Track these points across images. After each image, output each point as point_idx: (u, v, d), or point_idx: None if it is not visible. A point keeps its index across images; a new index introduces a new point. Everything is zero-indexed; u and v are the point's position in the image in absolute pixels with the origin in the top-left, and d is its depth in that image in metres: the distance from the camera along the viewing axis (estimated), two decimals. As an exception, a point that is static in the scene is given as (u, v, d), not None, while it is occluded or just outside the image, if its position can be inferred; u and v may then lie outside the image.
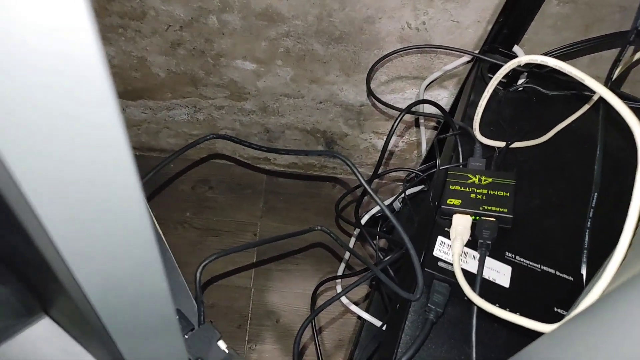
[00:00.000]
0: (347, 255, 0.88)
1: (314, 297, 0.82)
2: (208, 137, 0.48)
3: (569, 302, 0.45)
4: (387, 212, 0.44)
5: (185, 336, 0.38)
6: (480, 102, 0.55)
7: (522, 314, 0.43)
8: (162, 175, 1.07)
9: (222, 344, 0.38)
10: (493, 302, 0.45)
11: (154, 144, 1.08)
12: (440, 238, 0.51)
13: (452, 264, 0.48)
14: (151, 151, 1.10)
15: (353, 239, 0.88)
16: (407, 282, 0.49)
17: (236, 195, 1.09)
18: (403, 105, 0.64)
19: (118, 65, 0.89)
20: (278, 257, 1.03)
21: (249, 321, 0.95)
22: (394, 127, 0.57)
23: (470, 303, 0.46)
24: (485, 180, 0.52)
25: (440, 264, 0.49)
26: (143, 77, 0.91)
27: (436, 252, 0.50)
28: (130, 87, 0.94)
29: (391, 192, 0.93)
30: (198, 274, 0.41)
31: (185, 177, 1.09)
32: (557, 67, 0.43)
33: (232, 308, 0.96)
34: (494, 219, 0.49)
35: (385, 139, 0.61)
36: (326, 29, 0.80)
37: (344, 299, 0.71)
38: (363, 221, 0.81)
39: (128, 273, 0.21)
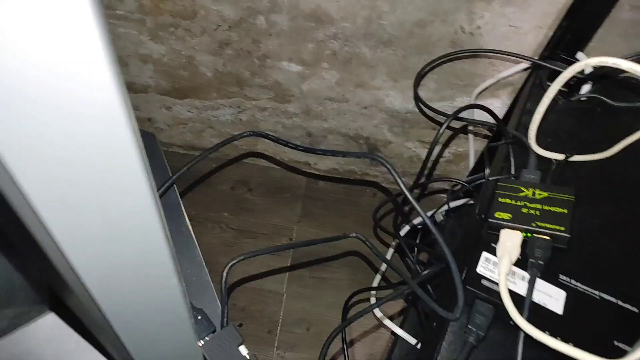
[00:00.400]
0: (383, 266, 0.84)
1: (346, 307, 0.79)
2: (244, 134, 0.47)
3: (633, 336, 0.40)
4: (427, 220, 0.41)
5: (206, 338, 0.36)
6: (538, 109, 0.51)
7: (575, 345, 0.39)
8: (203, 174, 1.08)
9: (243, 350, 0.36)
10: (542, 329, 0.40)
11: (197, 143, 1.09)
12: (485, 254, 0.47)
13: (497, 284, 0.44)
14: (194, 150, 1.11)
15: (391, 250, 0.84)
16: (446, 299, 0.45)
17: (274, 199, 1.08)
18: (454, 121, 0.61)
19: (167, 64, 0.90)
20: (313, 264, 1.00)
21: (279, 327, 0.93)
22: (440, 132, 0.54)
23: (517, 328, 0.42)
24: (540, 195, 0.47)
25: (484, 282, 0.45)
26: (190, 76, 0.92)
27: (480, 269, 0.46)
28: (178, 85, 0.95)
29: (433, 205, 0.89)
30: (224, 274, 0.39)
31: (225, 178, 1.09)
32: (632, 72, 0.39)
33: (263, 312, 0.94)
34: (548, 237, 0.45)
35: (429, 146, 0.57)
36: (375, 32, 0.77)
37: (377, 313, 0.67)
38: (402, 232, 0.78)
39: (135, 269, 0.19)
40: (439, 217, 0.87)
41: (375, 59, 0.82)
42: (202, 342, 0.37)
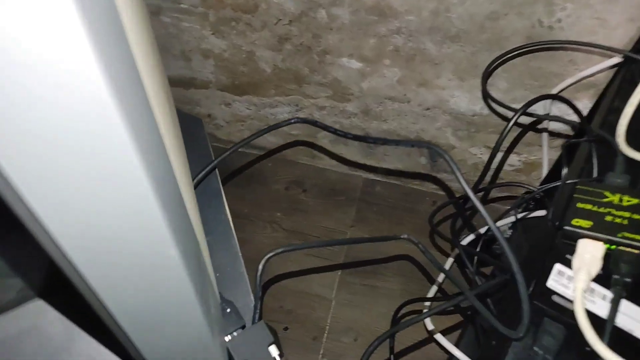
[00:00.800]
0: (440, 277, 0.78)
1: (396, 317, 0.73)
2: (291, 121, 0.44)
3: None
4: (491, 223, 0.36)
5: (234, 333, 0.34)
6: (631, 101, 0.44)
7: (671, 383, 0.32)
8: (258, 173, 1.07)
9: (273, 350, 0.33)
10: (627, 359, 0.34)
11: (254, 141, 1.09)
12: (558, 266, 0.40)
13: (571, 301, 0.38)
14: (252, 148, 1.11)
15: (450, 260, 0.78)
16: (509, 315, 0.40)
17: (328, 201, 1.05)
18: (525, 120, 0.55)
19: (228, 59, 0.91)
20: (364, 270, 0.96)
21: (325, 334, 0.90)
22: (508, 127, 0.48)
23: (594, 356, 0.35)
24: (628, 202, 0.40)
25: (555, 298, 0.39)
26: (250, 72, 0.92)
27: (551, 283, 0.40)
28: (237, 81, 0.95)
29: (496, 216, 0.81)
30: (260, 267, 0.36)
31: (280, 177, 1.08)
32: None
33: (309, 317, 0.91)
34: (637, 251, 0.38)
35: (495, 144, 0.52)
36: (441, 26, 0.72)
37: (429, 325, 0.62)
38: (464, 242, 0.71)
39: (136, 260, 0.17)
40: (505, 230, 0.79)
41: (440, 56, 0.77)
42: (229, 336, 0.34)
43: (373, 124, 0.95)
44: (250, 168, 1.08)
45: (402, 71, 0.82)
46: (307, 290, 0.94)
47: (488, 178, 0.93)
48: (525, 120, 0.80)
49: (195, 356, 0.24)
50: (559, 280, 0.40)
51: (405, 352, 0.87)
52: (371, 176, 1.08)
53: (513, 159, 0.91)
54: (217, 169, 0.44)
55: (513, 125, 0.48)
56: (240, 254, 0.38)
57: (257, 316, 0.36)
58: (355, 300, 0.93)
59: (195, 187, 0.40)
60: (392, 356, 0.65)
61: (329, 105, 0.94)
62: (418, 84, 0.83)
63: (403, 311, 0.81)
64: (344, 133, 0.43)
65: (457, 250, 0.65)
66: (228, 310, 0.34)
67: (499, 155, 0.91)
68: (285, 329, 0.90)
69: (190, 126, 0.46)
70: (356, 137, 0.43)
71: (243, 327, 0.35)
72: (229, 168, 1.07)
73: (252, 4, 0.79)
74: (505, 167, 0.93)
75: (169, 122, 0.28)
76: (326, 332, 0.90)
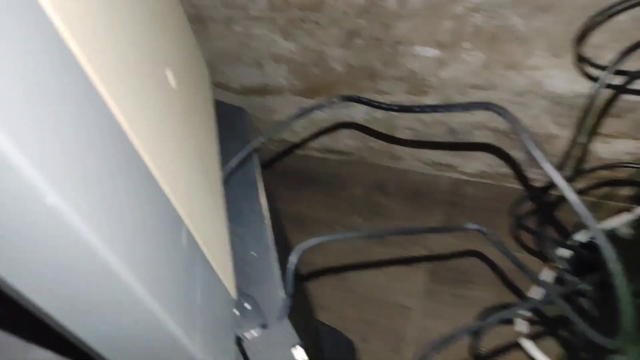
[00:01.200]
0: (536, 292, 0.67)
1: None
2: (334, 101, 0.40)
3: None
4: (582, 209, 0.27)
5: (253, 332, 0.29)
6: None
7: None
8: (336, 177, 1.04)
9: (298, 354, 0.28)
10: None
11: (332, 145, 1.05)
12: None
13: None
14: (330, 153, 1.07)
15: (546, 273, 0.66)
16: (608, 320, 0.30)
17: (412, 205, 0.98)
18: None
19: (299, 62, 0.89)
20: (453, 278, 0.87)
21: (407, 347, 0.82)
22: (598, 87, 0.38)
23: None
24: None
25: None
26: (322, 73, 0.89)
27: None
28: (310, 84, 0.93)
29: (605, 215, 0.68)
30: (294, 259, 0.32)
31: (359, 181, 1.03)
32: None
33: (389, 328, 0.84)
34: None
35: (583, 113, 0.41)
36: (528, -5, 0.63)
37: (527, 345, 0.52)
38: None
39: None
40: (621, 230, 0.66)
41: (530, 31, 0.67)
42: (247, 335, 0.30)
43: (457, 117, 0.86)
44: (328, 173, 1.05)
45: (485, 54, 0.73)
46: (390, 299, 0.87)
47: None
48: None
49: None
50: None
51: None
52: (459, 176, 0.99)
53: (628, 146, 0.76)
54: (256, 159, 0.41)
55: (608, 87, 0.38)
56: (273, 246, 0.34)
57: (283, 314, 0.32)
58: (441, 311, 0.84)
59: (229, 177, 0.38)
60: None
61: (406, 101, 0.87)
62: (505, 67, 0.74)
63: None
64: (388, 105, 0.38)
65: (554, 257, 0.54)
66: (246, 305, 0.30)
67: (613, 142, 0.77)
68: (363, 340, 0.84)
69: (233, 117, 0.44)
70: (402, 109, 0.37)
71: (264, 326, 0.31)
72: (305, 173, 1.05)
73: (318, 1, 0.76)
74: (614, 160, 0.78)
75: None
76: (409, 345, 0.83)
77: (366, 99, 0.39)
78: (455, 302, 0.84)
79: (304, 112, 0.41)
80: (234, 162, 0.40)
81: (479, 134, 0.87)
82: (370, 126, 0.96)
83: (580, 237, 0.60)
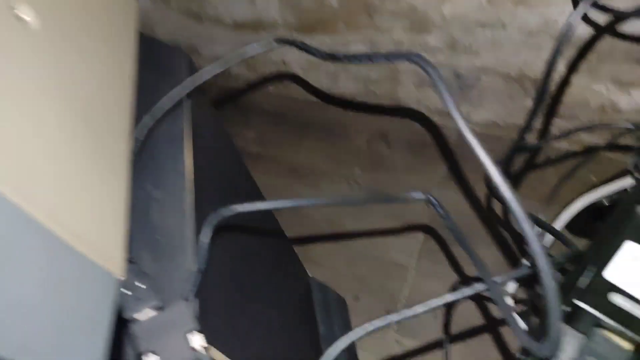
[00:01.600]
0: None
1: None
2: (270, 42, 0.35)
3: None
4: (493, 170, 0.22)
5: (147, 313, 0.27)
6: None
7: None
8: (338, 125, 0.98)
9: (196, 340, 0.25)
10: None
11: (333, 88, 0.98)
12: (629, 245, 0.25)
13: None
14: (331, 100, 1.00)
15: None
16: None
17: (415, 156, 0.91)
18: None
19: (292, -5, 0.81)
20: (451, 237, 0.82)
21: (401, 308, 0.79)
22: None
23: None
24: None
25: (614, 298, 0.24)
26: (317, 8, 0.82)
27: (611, 274, 0.24)
28: (304, 20, 0.85)
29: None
30: (207, 230, 0.29)
31: (362, 130, 0.96)
32: None
33: (384, 287, 0.81)
34: None
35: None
36: None
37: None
38: (560, 223, 0.52)
39: None
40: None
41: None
42: (138, 316, 0.27)
43: (463, 60, 0.77)
44: (330, 120, 0.99)
45: (491, -14, 0.63)
46: (383, 256, 0.84)
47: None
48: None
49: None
50: (627, 265, 0.24)
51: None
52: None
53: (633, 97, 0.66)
54: (187, 108, 0.37)
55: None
56: (191, 216, 0.31)
57: (190, 293, 0.29)
58: (438, 271, 0.80)
59: (154, 131, 0.33)
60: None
61: (407, 40, 0.79)
62: (515, 2, 0.64)
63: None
64: (316, 50, 0.32)
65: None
66: (138, 284, 0.27)
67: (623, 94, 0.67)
68: (355, 298, 0.81)
69: (170, 59, 0.39)
70: (329, 56, 0.31)
71: (160, 308, 0.28)
72: (307, 120, 0.99)
73: None
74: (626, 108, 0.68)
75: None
76: (403, 305, 0.80)
77: (301, 42, 0.34)
78: (453, 262, 0.79)
79: (237, 55, 0.35)
80: (157, 112, 0.35)
81: (487, 79, 0.78)
82: (373, 69, 0.89)
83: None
